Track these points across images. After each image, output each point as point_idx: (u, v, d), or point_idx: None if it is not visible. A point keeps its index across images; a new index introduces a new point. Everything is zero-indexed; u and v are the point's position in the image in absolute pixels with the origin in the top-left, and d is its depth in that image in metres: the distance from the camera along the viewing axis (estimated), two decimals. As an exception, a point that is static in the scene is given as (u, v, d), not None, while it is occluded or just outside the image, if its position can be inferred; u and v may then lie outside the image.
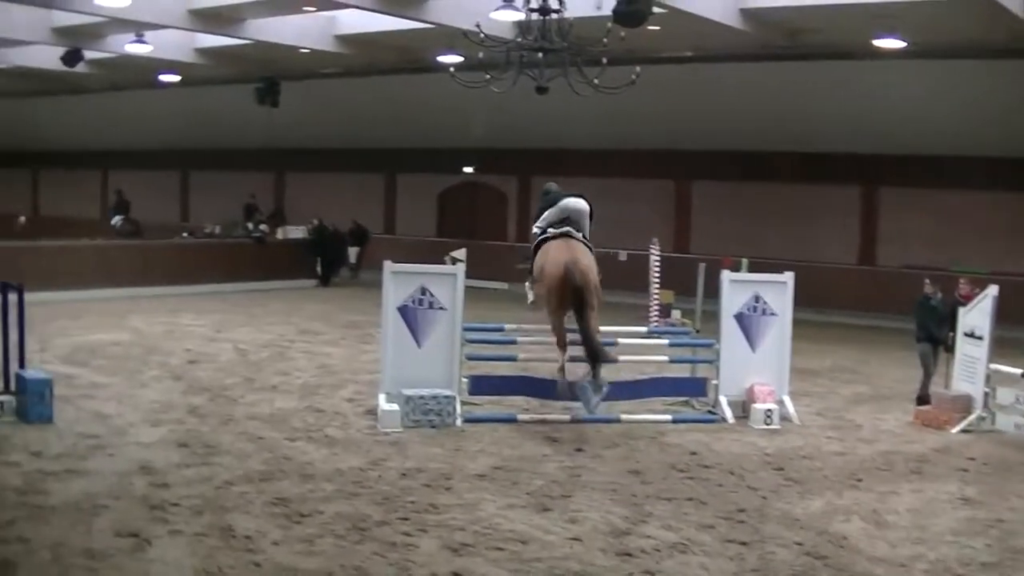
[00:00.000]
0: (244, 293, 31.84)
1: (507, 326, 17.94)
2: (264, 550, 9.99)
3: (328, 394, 17.35)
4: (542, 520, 11.12)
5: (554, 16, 17.91)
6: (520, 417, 15.79)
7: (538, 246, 16.55)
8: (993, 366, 16.32)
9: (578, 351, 15.55)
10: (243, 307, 28.62)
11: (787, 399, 16.65)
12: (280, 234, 36.47)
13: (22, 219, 40.15)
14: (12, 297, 15.15)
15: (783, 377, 16.82)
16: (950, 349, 17.22)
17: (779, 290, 16.96)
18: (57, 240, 33.89)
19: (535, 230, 16.99)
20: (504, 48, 18.37)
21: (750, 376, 16.59)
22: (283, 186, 45.43)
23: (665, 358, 17.54)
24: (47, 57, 33.40)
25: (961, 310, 16.89)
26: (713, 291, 17.23)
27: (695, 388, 17.22)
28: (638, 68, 18.21)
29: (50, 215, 47.79)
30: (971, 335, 16.60)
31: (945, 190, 29.52)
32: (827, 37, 25.51)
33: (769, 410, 16.06)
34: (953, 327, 17.00)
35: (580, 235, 16.71)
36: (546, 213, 16.91)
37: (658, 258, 21.88)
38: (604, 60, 17.94)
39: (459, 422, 15.32)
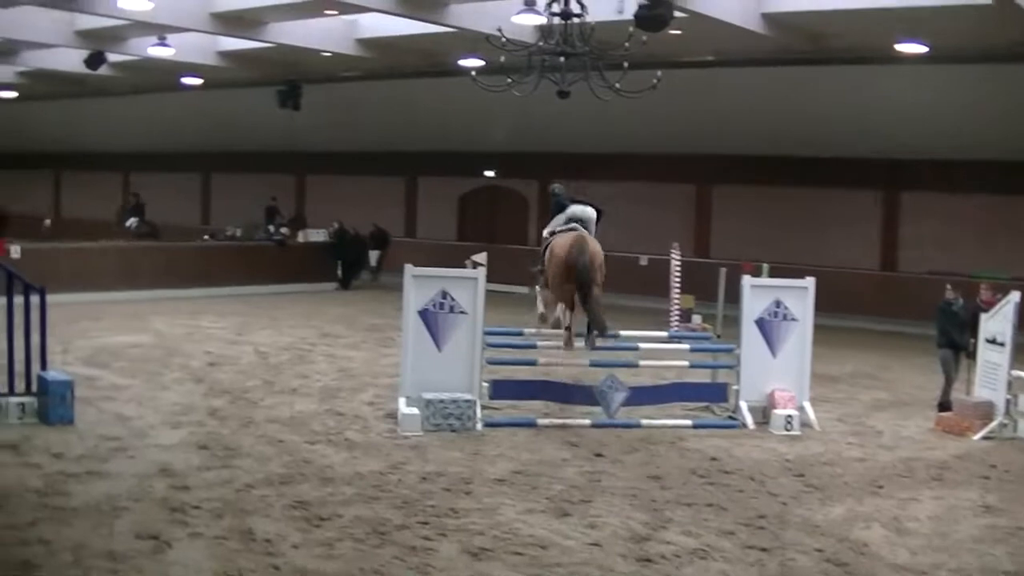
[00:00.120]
0: (265, 296, 31.88)
1: (527, 330, 17.97)
2: (284, 553, 10.00)
3: (348, 397, 17.36)
4: (561, 525, 11.11)
5: (576, 20, 17.91)
6: (540, 421, 15.78)
7: (547, 248, 17.02)
8: (1015, 372, 16.24)
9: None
10: (264, 310, 28.65)
11: (807, 405, 16.60)
12: (301, 237, 36.48)
13: (47, 222, 40.28)
14: (34, 299, 15.19)
15: (804, 383, 16.76)
16: (972, 355, 17.15)
17: (800, 295, 16.91)
18: (79, 242, 33.98)
19: (545, 234, 17.58)
20: (526, 52, 18.36)
21: (771, 382, 16.55)
22: (304, 189, 45.50)
23: (685, 363, 17.53)
24: (70, 60, 33.56)
25: (983, 316, 16.82)
26: (734, 296, 17.19)
27: (715, 393, 17.18)
28: (659, 72, 18.19)
29: (71, 217, 47.88)
30: (993, 341, 16.53)
31: (967, 195, 29.41)
32: (849, 41, 25.44)
33: (789, 416, 16.03)
34: (975, 333, 16.93)
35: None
36: (554, 220, 17.53)
37: (679, 263, 21.89)
38: (625, 64, 17.92)
39: (479, 426, 15.33)
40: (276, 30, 28.58)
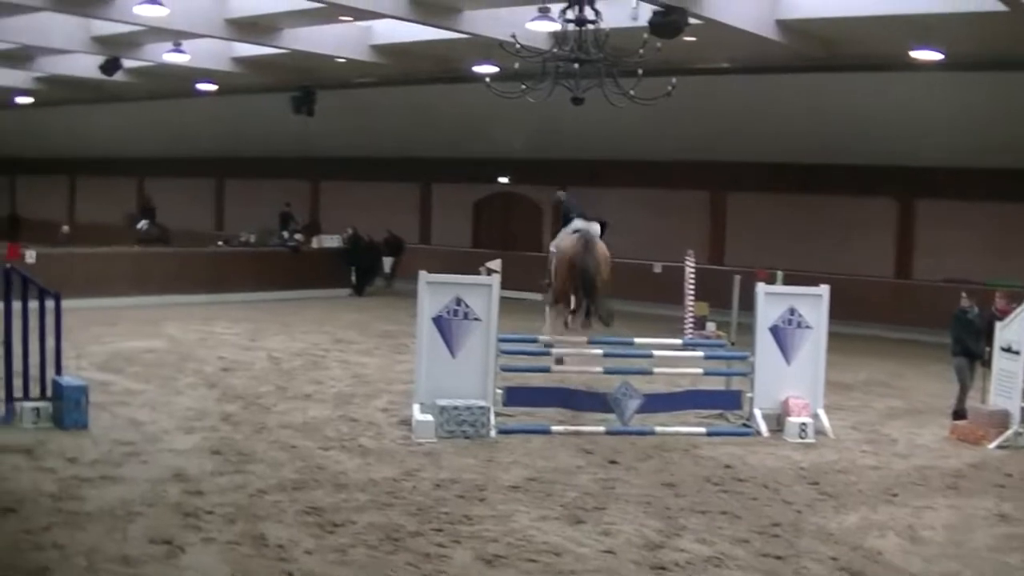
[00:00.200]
0: (278, 302, 31.90)
1: (541, 337, 17.99)
2: (297, 559, 10.00)
3: (362, 404, 17.36)
4: (575, 532, 11.10)
5: (590, 27, 17.91)
6: (554, 429, 15.76)
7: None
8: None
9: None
10: (277, 316, 28.67)
11: (822, 412, 16.57)
12: (315, 243, 36.51)
13: (66, 228, 40.41)
14: (49, 304, 15.23)
15: (818, 390, 16.73)
16: (987, 364, 17.10)
17: (814, 303, 16.88)
18: (94, 248, 34.05)
19: (552, 248, 18.56)
20: (540, 59, 18.38)
21: (785, 389, 16.52)
22: (318, 195, 45.56)
23: (700, 370, 17.51)
24: (86, 65, 33.68)
25: (998, 324, 16.77)
26: (748, 303, 17.17)
27: (730, 401, 17.15)
28: (674, 79, 18.19)
29: (86, 222, 47.97)
30: (1008, 350, 16.46)
31: (982, 202, 29.34)
32: (863, 48, 25.41)
33: (804, 423, 16.00)
34: (990, 341, 16.88)
35: None
36: (559, 235, 18.63)
37: (693, 270, 21.87)
38: (640, 71, 17.91)
39: (493, 433, 15.31)
40: (291, 36, 28.64)
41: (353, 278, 35.97)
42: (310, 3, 23.87)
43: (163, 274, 31.30)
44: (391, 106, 37.77)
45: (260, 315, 28.52)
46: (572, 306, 18.57)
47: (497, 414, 15.77)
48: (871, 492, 13.19)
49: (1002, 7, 20.00)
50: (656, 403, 16.55)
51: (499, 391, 16.04)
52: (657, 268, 33.18)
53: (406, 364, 19.90)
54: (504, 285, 16.49)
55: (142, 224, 40.23)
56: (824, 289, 16.91)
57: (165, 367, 20.08)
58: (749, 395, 16.68)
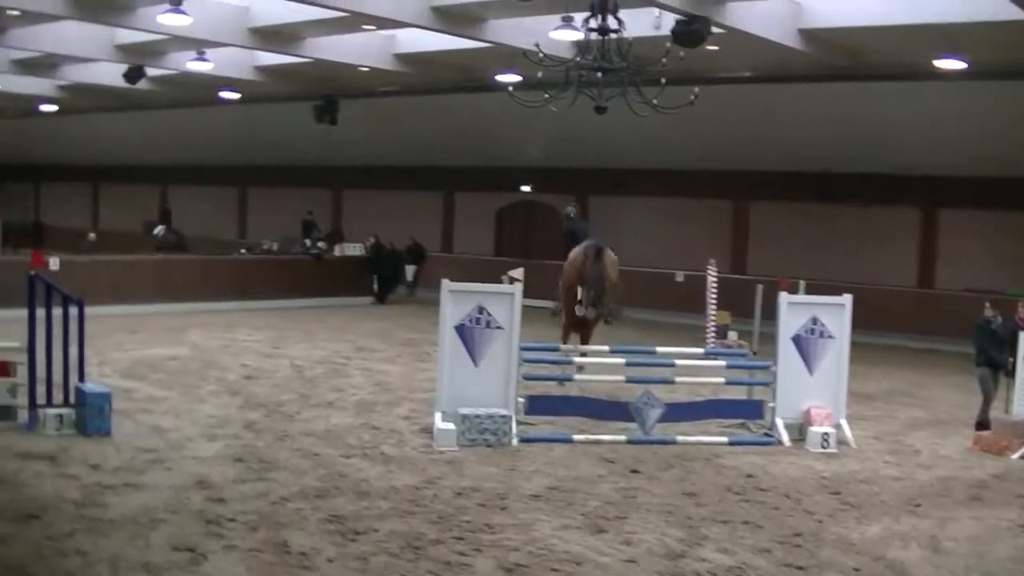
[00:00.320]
0: (301, 309, 31.99)
1: (563, 346, 18.01)
2: (319, 567, 10.01)
3: (384, 412, 17.37)
4: (597, 541, 11.09)
5: (613, 36, 17.91)
6: (576, 437, 15.74)
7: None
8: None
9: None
10: (300, 323, 28.73)
11: (844, 422, 16.52)
12: (337, 251, 36.58)
13: (92, 236, 40.57)
14: (73, 311, 15.28)
15: (840, 400, 16.68)
16: (1010, 374, 17.03)
17: (837, 312, 16.82)
18: (117, 255, 34.19)
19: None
20: (563, 67, 18.36)
21: (807, 399, 16.48)
22: (341, 203, 45.64)
23: (722, 380, 17.50)
24: (110, 74, 33.78)
25: (1021, 335, 16.71)
26: (770, 313, 17.14)
27: (752, 410, 17.11)
28: (697, 88, 18.17)
29: (108, 229, 48.11)
30: (1032, 360, 16.44)
31: (1006, 212, 29.28)
32: (887, 57, 25.36)
33: (826, 433, 15.95)
34: (1013, 352, 16.81)
35: None
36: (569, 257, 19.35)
37: (715, 279, 21.87)
38: (663, 80, 17.91)
39: (515, 442, 15.31)
40: (313, 45, 28.70)
41: (375, 286, 36.01)
42: (333, 12, 23.90)
43: (186, 281, 31.42)
44: (414, 115, 37.82)
45: (282, 323, 28.58)
46: (579, 297, 18.95)
47: (519, 423, 15.76)
48: (893, 503, 13.14)
49: (1026, 16, 19.97)
50: (678, 412, 16.53)
51: (521, 400, 16.04)
52: (679, 277, 33.17)
53: (428, 372, 19.92)
54: (526, 294, 16.50)
55: (159, 230, 40.45)
56: (847, 299, 16.85)
57: (188, 374, 20.13)
58: (771, 405, 16.64)
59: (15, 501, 11.48)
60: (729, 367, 17.65)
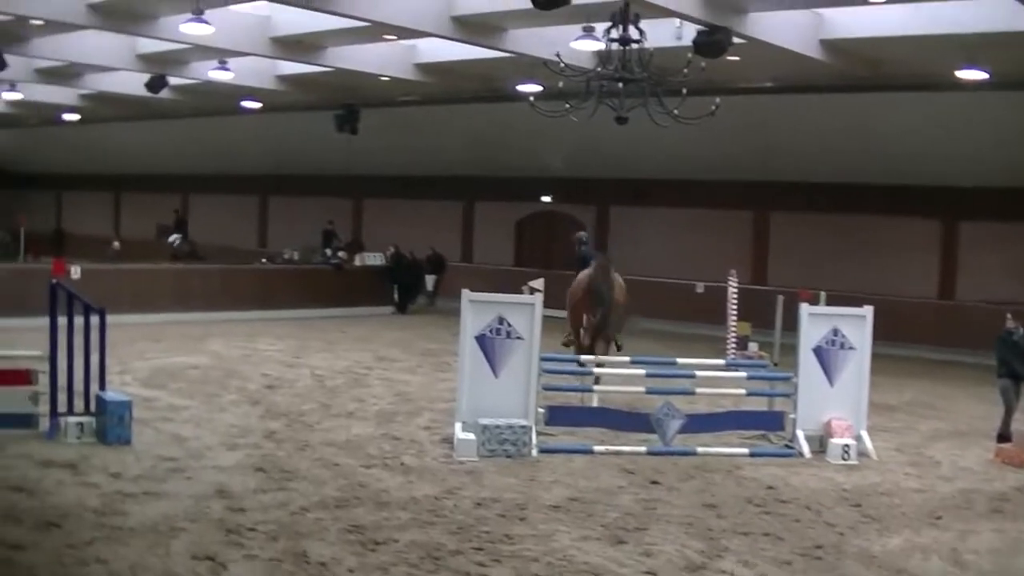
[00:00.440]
0: (321, 319, 32.02)
1: (584, 357, 18.00)
2: (339, 577, 10.03)
3: (404, 422, 17.37)
4: (616, 553, 11.06)
5: (634, 46, 17.92)
6: (596, 448, 15.72)
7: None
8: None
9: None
10: (320, 333, 28.76)
11: (865, 434, 16.47)
12: (358, 261, 36.63)
13: (116, 244, 40.69)
14: (94, 319, 15.31)
15: (861, 412, 16.63)
16: (1032, 385, 16.97)
17: (858, 324, 16.77)
18: (139, 264, 34.28)
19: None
20: (584, 78, 18.38)
21: (828, 410, 16.43)
22: (361, 213, 45.70)
23: (742, 391, 17.46)
24: (132, 83, 33.90)
25: (1042, 346, 16.65)
26: (791, 324, 17.10)
27: (772, 422, 17.05)
28: (718, 99, 18.17)
29: (131, 237, 48.24)
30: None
31: (1026, 223, 29.26)
32: (908, 68, 25.34)
33: (847, 445, 15.90)
34: (1035, 363, 16.75)
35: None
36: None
37: (736, 290, 21.84)
38: (684, 90, 17.91)
39: (535, 452, 15.29)
40: (335, 54, 28.77)
41: (395, 296, 36.04)
42: (355, 22, 23.95)
43: (207, 291, 31.49)
44: (434, 125, 37.86)
45: (303, 332, 28.61)
46: (585, 323, 19.02)
47: (539, 433, 15.75)
48: (915, 515, 13.08)
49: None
50: (698, 423, 16.49)
51: (541, 410, 16.02)
52: (700, 288, 33.13)
53: (448, 382, 19.92)
54: (546, 304, 16.50)
55: (174, 239, 40.56)
56: (868, 310, 16.80)
57: (209, 383, 20.16)
58: (792, 416, 16.58)
59: (36, 509, 11.51)
60: (750, 378, 17.62)
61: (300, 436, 15.95)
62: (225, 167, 48.19)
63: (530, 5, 18.90)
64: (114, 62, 31.15)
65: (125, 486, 12.62)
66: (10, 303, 25.60)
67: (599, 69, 18.43)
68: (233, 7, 25.31)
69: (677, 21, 22.47)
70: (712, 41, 21.20)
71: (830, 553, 11.38)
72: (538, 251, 39.42)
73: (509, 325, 15.81)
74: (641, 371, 17.27)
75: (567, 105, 18.61)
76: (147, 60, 30.84)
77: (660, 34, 21.01)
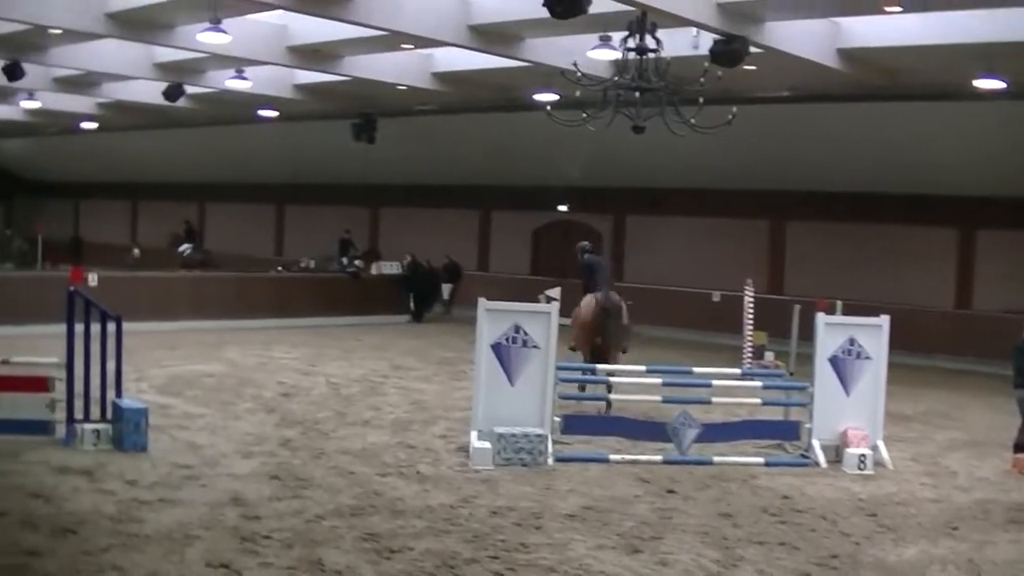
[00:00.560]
0: (338, 327, 32.07)
1: (600, 366, 18.00)
2: (354, 585, 10.03)
3: (420, 430, 17.37)
4: (632, 562, 11.04)
5: (651, 55, 17.93)
6: (612, 457, 15.69)
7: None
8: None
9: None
10: (336, 341, 28.81)
11: (881, 444, 16.41)
12: (374, 270, 36.68)
13: (136, 252, 40.78)
14: (111, 327, 15.35)
15: (877, 421, 16.56)
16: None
17: (874, 333, 16.71)
18: (155, 272, 34.39)
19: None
20: (601, 87, 18.39)
21: (844, 420, 16.37)
22: (378, 222, 45.77)
23: (758, 400, 17.43)
24: (150, 92, 34.01)
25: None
26: (807, 333, 17.07)
27: (788, 431, 17.01)
28: (734, 108, 18.16)
29: (148, 245, 48.38)
30: (1071, 382, 16.30)
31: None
32: (926, 77, 25.30)
33: (863, 455, 15.85)
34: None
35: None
36: (585, 300, 19.82)
37: (752, 299, 21.80)
38: (701, 99, 17.91)
39: (550, 461, 15.27)
40: (352, 64, 28.83)
41: (412, 305, 36.07)
42: (371, 31, 24.01)
43: (224, 299, 31.59)
44: (452, 134, 37.93)
45: (319, 340, 28.66)
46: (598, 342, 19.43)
47: (555, 442, 15.74)
48: (931, 525, 13.03)
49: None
50: (714, 433, 16.45)
51: (557, 419, 16.02)
52: (716, 297, 33.12)
53: (464, 391, 19.92)
54: (563, 313, 16.50)
55: (184, 248, 40.69)
56: (884, 320, 16.75)
57: (224, 391, 20.20)
58: (808, 425, 16.53)
59: (53, 515, 11.54)
60: (766, 387, 17.58)
61: (315, 444, 15.96)
62: (242, 176, 48.32)
63: (547, 14, 18.90)
64: (132, 71, 31.27)
65: (141, 493, 12.64)
66: (28, 310, 25.77)
67: (616, 78, 18.43)
68: (250, 16, 25.38)
69: (694, 30, 22.46)
70: (729, 50, 21.19)
71: (846, 563, 11.34)
72: (555, 260, 39.38)
73: (525, 334, 15.79)
74: (657, 380, 17.24)
75: (584, 114, 18.63)
76: (164, 69, 30.95)
77: (677, 43, 21.05)
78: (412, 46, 27.47)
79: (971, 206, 30.11)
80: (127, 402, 15.30)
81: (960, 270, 31.18)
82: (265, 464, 14.54)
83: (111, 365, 15.40)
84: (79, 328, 15.40)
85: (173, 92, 32.31)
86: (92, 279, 27.21)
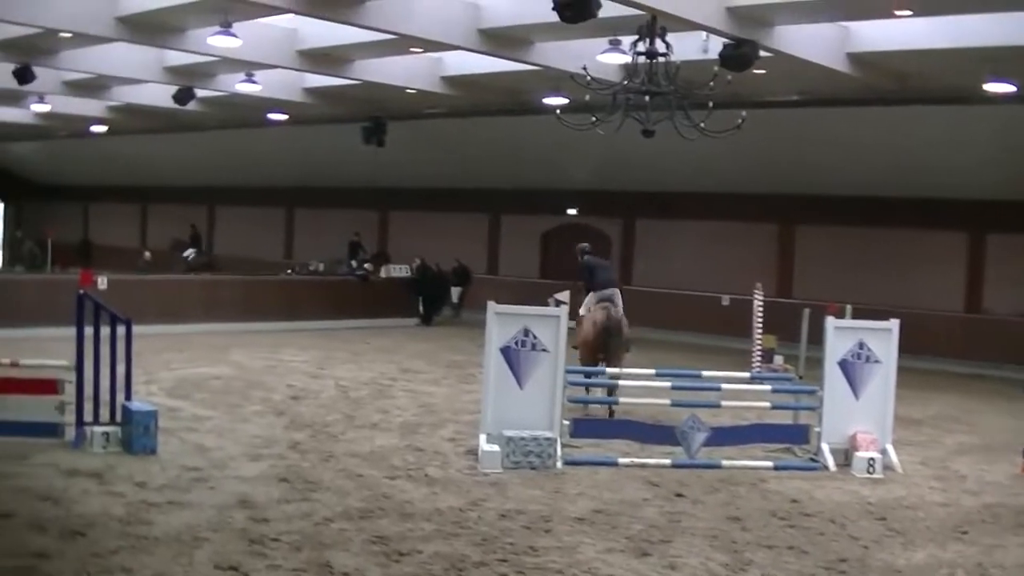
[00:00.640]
0: (347, 330, 32.09)
1: (609, 369, 18.01)
2: (362, 588, 10.03)
3: (428, 433, 17.38)
4: (641, 565, 11.04)
5: (661, 59, 17.93)
6: (621, 461, 15.69)
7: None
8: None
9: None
10: (345, 344, 28.83)
11: (890, 448, 16.40)
12: (383, 273, 36.70)
13: (148, 255, 40.86)
14: (120, 330, 15.37)
15: (886, 425, 16.55)
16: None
17: (884, 337, 16.70)
18: (164, 275, 34.45)
19: (582, 312, 19.64)
20: (610, 91, 18.40)
21: (853, 424, 16.36)
22: (387, 225, 45.79)
23: (767, 404, 17.42)
24: (160, 95, 34.06)
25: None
26: (816, 337, 17.06)
27: (797, 435, 16.99)
28: (744, 112, 18.16)
29: (157, 249, 48.45)
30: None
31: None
32: (935, 81, 25.26)
33: (872, 459, 15.84)
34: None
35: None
36: (587, 299, 20.04)
37: (761, 303, 21.80)
38: (710, 103, 17.91)
39: (559, 464, 15.27)
40: (362, 67, 28.84)
41: (421, 308, 36.09)
42: (381, 35, 24.01)
43: (233, 302, 31.62)
44: (461, 137, 37.94)
45: (328, 343, 28.68)
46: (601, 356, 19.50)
47: (564, 445, 15.73)
48: (940, 529, 13.02)
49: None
50: (723, 436, 16.43)
51: (566, 422, 16.01)
52: (725, 301, 33.11)
53: (473, 394, 19.94)
54: (572, 316, 16.50)
55: (188, 252, 40.77)
56: (894, 323, 16.74)
57: (233, 394, 20.22)
58: (817, 429, 16.52)
59: (62, 517, 11.55)
60: (775, 391, 17.57)
61: (324, 447, 15.97)
62: (252, 179, 48.38)
63: (557, 18, 18.91)
64: (142, 74, 31.31)
65: (150, 495, 12.66)
66: (38, 313, 25.82)
67: (626, 82, 18.44)
68: (260, 20, 25.39)
69: (703, 34, 22.46)
70: (738, 54, 21.19)
71: (855, 567, 11.33)
72: (564, 263, 39.36)
73: (534, 337, 15.79)
74: (666, 384, 17.23)
75: (593, 118, 18.64)
76: (175, 72, 30.99)
77: (686, 47, 21.02)
78: (422, 50, 27.47)
79: (981, 210, 30.06)
80: (136, 405, 15.32)
81: (970, 274, 31.12)
82: (274, 467, 14.55)
83: (120, 368, 15.41)
84: (88, 331, 15.42)
85: (183, 96, 32.35)
86: (102, 282, 27.26)
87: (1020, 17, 20.74)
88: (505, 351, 15.74)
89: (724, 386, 17.35)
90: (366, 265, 36.82)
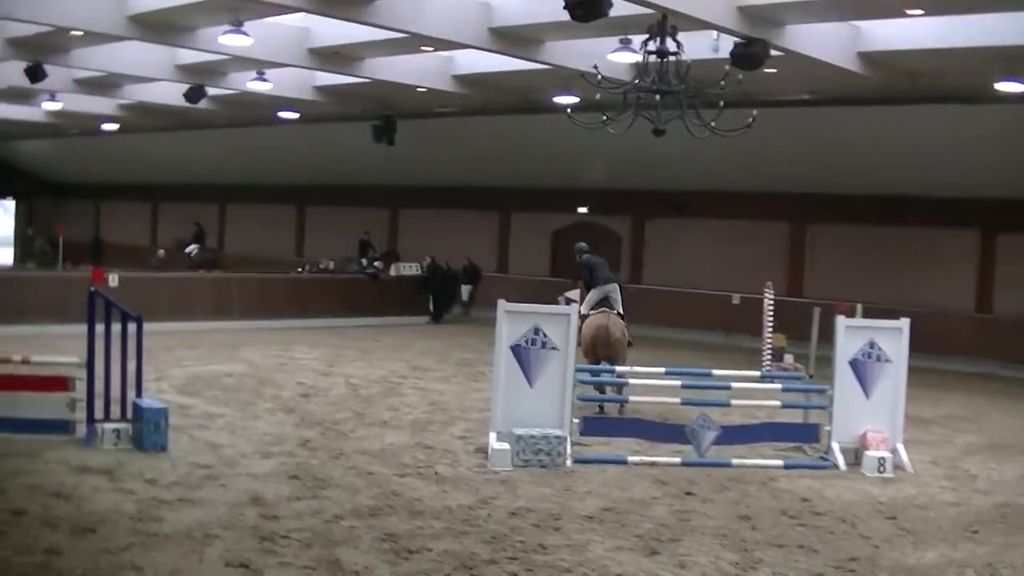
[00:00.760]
0: (357, 328, 32.12)
1: (618, 368, 18.00)
2: (372, 585, 10.04)
3: (438, 431, 17.39)
4: (650, 564, 11.04)
5: (672, 58, 17.93)
6: (630, 459, 15.69)
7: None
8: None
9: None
10: (356, 342, 28.85)
11: (901, 447, 16.38)
12: (393, 271, 36.73)
13: (161, 252, 40.98)
14: (131, 327, 15.39)
15: (897, 424, 16.53)
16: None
17: (894, 336, 16.68)
18: (175, 272, 34.51)
19: (583, 311, 19.26)
20: (621, 90, 18.40)
21: (863, 423, 16.34)
22: (397, 223, 45.80)
23: (777, 403, 17.40)
24: (171, 93, 34.09)
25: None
26: (827, 336, 17.04)
27: (807, 434, 16.98)
28: (755, 111, 18.15)
29: (168, 246, 48.52)
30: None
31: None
32: (947, 80, 25.20)
33: (882, 458, 15.83)
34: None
35: (616, 311, 19.86)
36: (589, 295, 20.12)
37: (771, 302, 21.77)
38: (721, 103, 17.90)
39: (569, 462, 15.27)
40: (372, 66, 28.86)
41: (431, 306, 36.11)
42: (392, 33, 24.03)
43: (243, 299, 31.69)
44: (471, 136, 37.92)
45: (338, 341, 28.71)
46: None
47: (573, 443, 15.74)
48: (950, 528, 13.00)
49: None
50: (733, 435, 16.43)
51: (576, 420, 16.01)
52: (735, 299, 33.08)
53: (483, 392, 19.95)
54: (581, 315, 16.50)
55: (192, 249, 40.82)
56: (905, 323, 16.70)
57: (244, 391, 20.25)
58: (827, 428, 16.50)
59: (73, 514, 11.58)
60: (785, 390, 17.56)
61: (334, 444, 15.99)
62: (263, 177, 48.41)
63: (568, 17, 18.90)
64: (153, 73, 31.36)
65: (160, 493, 12.68)
66: (49, 310, 25.91)
67: (636, 81, 18.45)
68: (271, 19, 25.42)
69: (714, 33, 22.44)
70: (749, 53, 21.17)
71: (865, 566, 11.32)
72: (574, 262, 39.34)
73: (545, 335, 15.80)
74: (676, 382, 17.23)
75: (604, 117, 18.64)
76: (186, 71, 31.03)
77: (697, 46, 21.00)
78: (432, 48, 27.47)
79: (992, 209, 30.00)
80: (147, 402, 15.35)
81: (981, 273, 31.04)
82: (284, 464, 14.57)
83: (131, 365, 15.43)
84: (99, 328, 15.45)
85: (194, 94, 32.38)
86: (113, 279, 27.31)
87: (1032, 16, 20.73)
88: (515, 349, 15.75)
89: (734, 385, 17.36)
90: (376, 263, 36.87)
